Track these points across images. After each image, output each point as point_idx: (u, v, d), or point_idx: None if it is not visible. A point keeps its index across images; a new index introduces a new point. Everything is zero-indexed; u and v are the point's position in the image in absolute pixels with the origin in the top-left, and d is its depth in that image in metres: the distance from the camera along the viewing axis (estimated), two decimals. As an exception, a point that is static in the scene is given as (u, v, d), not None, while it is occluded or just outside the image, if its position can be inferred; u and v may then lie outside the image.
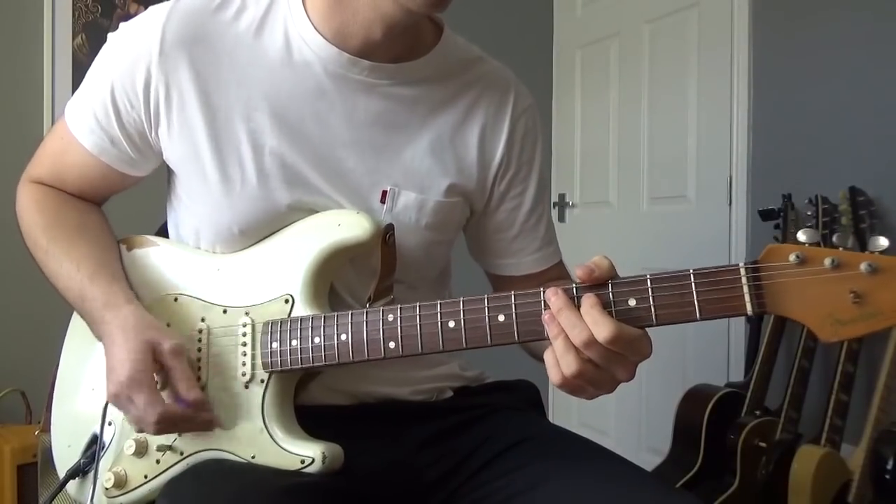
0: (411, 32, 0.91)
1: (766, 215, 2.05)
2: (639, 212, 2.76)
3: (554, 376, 0.75)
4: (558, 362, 0.74)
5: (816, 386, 1.93)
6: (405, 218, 0.92)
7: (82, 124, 0.94)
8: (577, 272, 0.74)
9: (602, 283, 0.73)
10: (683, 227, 2.54)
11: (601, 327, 0.71)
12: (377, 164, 0.92)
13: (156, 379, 0.84)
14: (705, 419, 1.99)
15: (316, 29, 0.89)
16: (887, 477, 1.57)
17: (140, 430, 0.86)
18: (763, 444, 1.88)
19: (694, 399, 2.06)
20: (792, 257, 0.67)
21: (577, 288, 0.74)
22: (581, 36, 3.07)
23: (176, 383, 0.84)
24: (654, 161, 2.70)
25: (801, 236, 0.69)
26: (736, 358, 2.29)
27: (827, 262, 0.66)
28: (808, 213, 1.92)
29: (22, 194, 1.01)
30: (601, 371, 0.73)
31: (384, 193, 0.91)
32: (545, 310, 0.75)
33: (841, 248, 0.67)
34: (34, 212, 0.98)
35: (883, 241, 0.67)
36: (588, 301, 0.72)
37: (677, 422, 2.11)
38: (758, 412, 1.95)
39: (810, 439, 1.81)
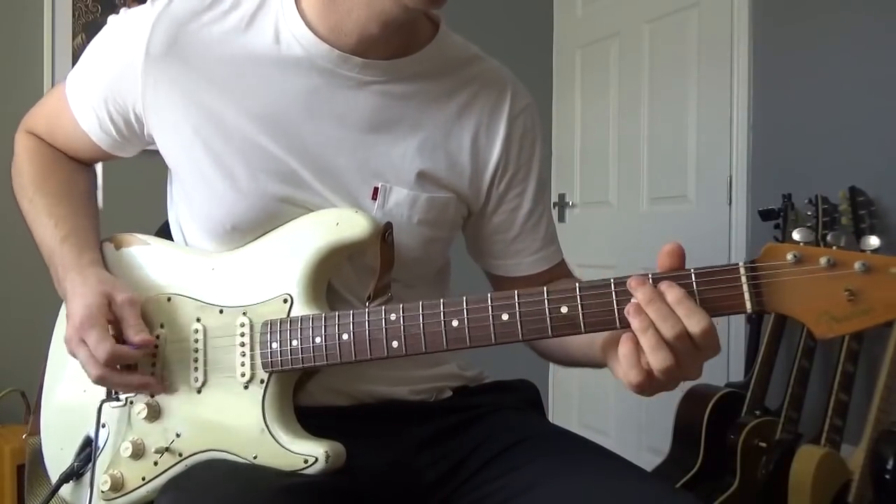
0: (407, 29, 0.91)
1: (766, 215, 2.05)
2: (639, 212, 2.76)
3: (633, 375, 0.72)
4: (644, 358, 0.71)
5: (816, 386, 1.93)
6: (397, 214, 0.91)
7: (77, 103, 0.97)
8: (666, 262, 0.72)
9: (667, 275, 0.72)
10: (683, 227, 2.54)
11: (696, 319, 0.69)
12: (368, 160, 0.91)
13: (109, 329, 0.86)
14: (705, 419, 1.99)
15: (309, 27, 0.89)
16: (887, 477, 1.57)
17: (91, 376, 0.86)
18: (763, 444, 1.88)
19: (694, 399, 2.06)
20: (789, 256, 0.69)
21: (653, 278, 0.72)
22: (581, 36, 3.07)
23: (126, 329, 0.86)
24: (654, 161, 2.70)
25: (797, 235, 0.71)
26: (736, 358, 2.29)
27: (822, 261, 0.68)
28: (808, 213, 1.91)
29: (18, 141, 1.06)
30: (678, 369, 0.71)
31: (375, 190, 0.91)
32: (621, 307, 0.72)
33: (835, 248, 0.69)
34: (26, 161, 1.03)
35: (874, 241, 0.70)
36: (677, 292, 0.70)
37: (677, 422, 2.11)
38: (758, 412, 1.95)
39: (810, 439, 1.81)
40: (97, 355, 0.83)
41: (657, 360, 0.70)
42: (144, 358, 0.88)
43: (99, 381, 0.86)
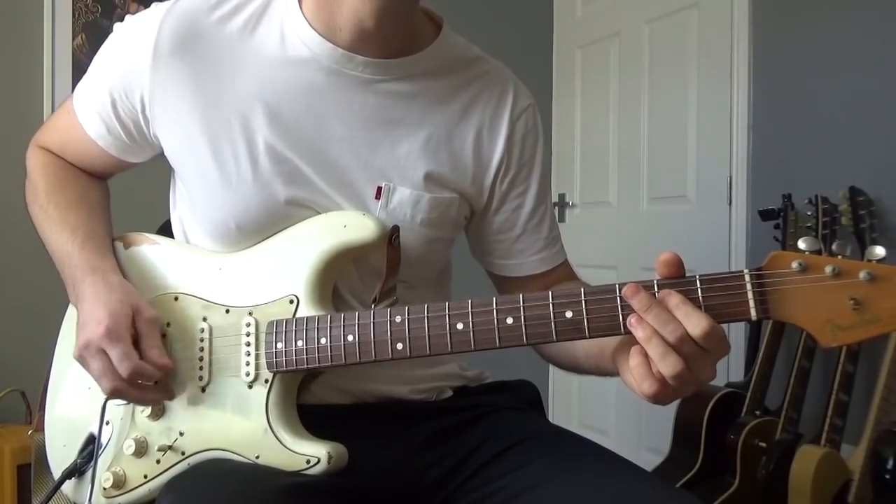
0: (406, 26, 0.91)
1: (766, 215, 2.05)
2: (639, 212, 2.76)
3: (647, 386, 0.71)
4: (654, 367, 0.70)
5: (816, 386, 1.94)
6: (400, 214, 0.92)
7: (84, 110, 0.97)
8: (664, 272, 0.72)
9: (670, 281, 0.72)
10: (683, 227, 2.54)
11: (694, 321, 0.69)
12: (372, 160, 0.92)
13: None
14: (705, 419, 2.00)
15: (311, 25, 0.90)
16: (887, 477, 1.57)
17: (106, 389, 0.85)
18: (763, 444, 1.88)
19: (694, 399, 2.06)
20: (794, 265, 0.69)
21: (658, 284, 0.72)
22: (581, 36, 3.07)
23: (148, 348, 0.85)
24: (654, 161, 2.70)
25: (802, 244, 0.71)
26: (736, 358, 2.29)
27: (828, 270, 0.68)
28: (808, 213, 1.92)
29: (31, 156, 1.06)
30: (689, 373, 0.70)
31: (379, 189, 0.91)
32: (626, 313, 0.72)
33: (840, 257, 0.69)
34: (39, 174, 1.03)
35: (880, 251, 0.70)
36: (676, 297, 0.70)
37: (677, 422, 2.11)
38: (758, 412, 1.96)
39: (810, 439, 1.81)
40: (120, 370, 0.83)
41: (667, 367, 0.70)
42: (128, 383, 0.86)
43: (113, 393, 0.84)
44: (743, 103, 2.34)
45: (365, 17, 0.86)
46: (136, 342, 0.86)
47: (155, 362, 0.85)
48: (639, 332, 0.70)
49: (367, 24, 0.87)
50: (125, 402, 0.90)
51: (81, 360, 0.86)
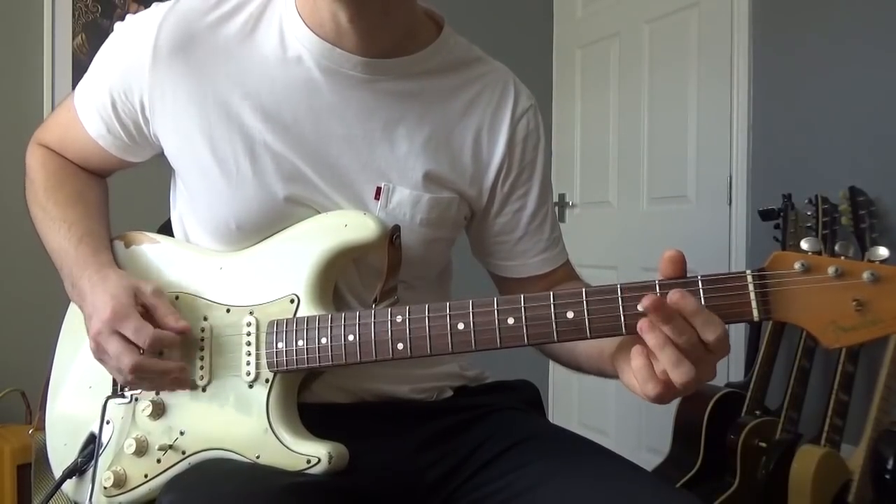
0: (392, 23, 0.90)
1: (766, 215, 2.05)
2: (639, 212, 2.76)
3: (651, 388, 0.71)
4: (658, 368, 0.70)
5: (816, 386, 1.94)
6: (400, 214, 0.92)
7: (85, 109, 0.97)
8: (668, 269, 0.71)
9: (675, 281, 0.71)
10: (683, 227, 2.54)
11: (712, 328, 0.69)
12: (371, 159, 0.92)
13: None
14: (705, 419, 2.00)
15: (305, 23, 0.90)
16: (887, 477, 1.57)
17: (122, 377, 0.85)
18: (763, 444, 1.88)
19: (694, 399, 2.06)
20: (797, 265, 0.69)
21: (660, 284, 0.71)
22: (581, 36, 3.07)
23: (162, 316, 0.86)
24: (654, 161, 2.70)
25: (804, 245, 0.71)
26: (736, 358, 2.29)
27: (830, 270, 0.68)
28: (808, 213, 1.92)
29: (31, 153, 1.06)
30: (696, 377, 0.70)
31: (378, 190, 0.91)
32: (628, 313, 0.71)
33: (843, 257, 0.69)
34: (39, 171, 1.03)
35: (883, 251, 0.70)
36: (692, 304, 0.69)
37: (677, 422, 2.12)
38: (758, 412, 1.96)
39: (810, 439, 1.81)
40: (139, 341, 0.82)
41: (679, 374, 0.69)
42: (149, 355, 0.86)
43: (135, 369, 0.83)
44: (743, 103, 2.34)
45: (337, 9, 0.86)
46: (147, 317, 0.85)
47: (173, 327, 0.85)
48: (651, 339, 0.70)
49: (341, 18, 0.86)
50: (125, 397, 0.90)
51: (97, 348, 0.85)
